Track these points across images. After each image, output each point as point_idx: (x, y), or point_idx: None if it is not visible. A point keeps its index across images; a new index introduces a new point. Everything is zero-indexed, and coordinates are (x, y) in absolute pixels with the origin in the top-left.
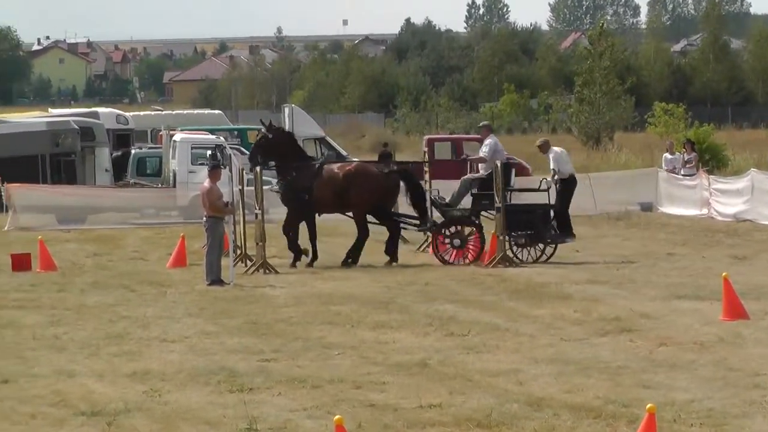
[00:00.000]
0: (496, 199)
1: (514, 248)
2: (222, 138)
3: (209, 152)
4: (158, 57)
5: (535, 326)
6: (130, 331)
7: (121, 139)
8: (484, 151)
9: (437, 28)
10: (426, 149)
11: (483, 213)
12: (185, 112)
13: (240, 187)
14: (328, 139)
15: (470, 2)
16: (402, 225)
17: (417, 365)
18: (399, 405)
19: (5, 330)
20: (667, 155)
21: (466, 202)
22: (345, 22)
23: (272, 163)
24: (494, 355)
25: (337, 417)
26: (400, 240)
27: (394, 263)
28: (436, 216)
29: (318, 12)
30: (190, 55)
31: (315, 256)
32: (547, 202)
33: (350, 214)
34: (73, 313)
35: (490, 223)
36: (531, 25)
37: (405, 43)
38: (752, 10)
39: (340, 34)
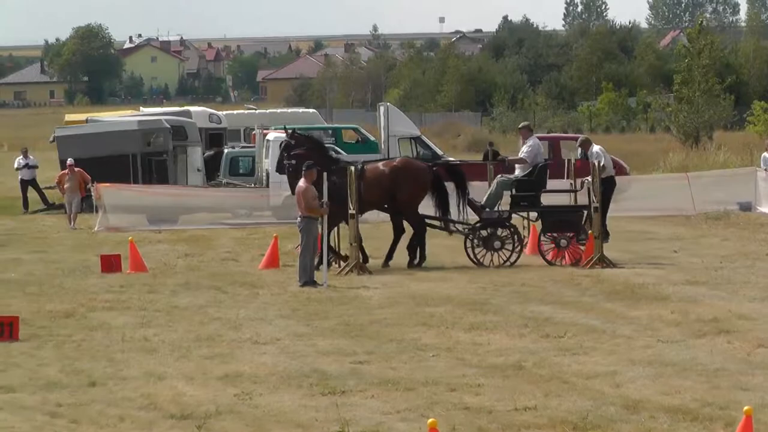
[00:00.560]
0: (592, 199)
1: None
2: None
3: None
4: (252, 55)
5: (632, 328)
6: (222, 333)
7: (214, 138)
8: (524, 151)
9: (535, 25)
10: None
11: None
12: (279, 110)
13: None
14: (424, 138)
15: (568, 0)
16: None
17: (512, 367)
18: (494, 407)
19: (95, 332)
20: (766, 155)
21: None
22: (441, 20)
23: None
24: (590, 356)
25: (430, 420)
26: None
27: (416, 262)
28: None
29: (414, 9)
30: (285, 53)
31: (365, 258)
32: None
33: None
34: (163, 315)
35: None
36: (629, 22)
37: (502, 40)
38: None
39: (436, 31)
